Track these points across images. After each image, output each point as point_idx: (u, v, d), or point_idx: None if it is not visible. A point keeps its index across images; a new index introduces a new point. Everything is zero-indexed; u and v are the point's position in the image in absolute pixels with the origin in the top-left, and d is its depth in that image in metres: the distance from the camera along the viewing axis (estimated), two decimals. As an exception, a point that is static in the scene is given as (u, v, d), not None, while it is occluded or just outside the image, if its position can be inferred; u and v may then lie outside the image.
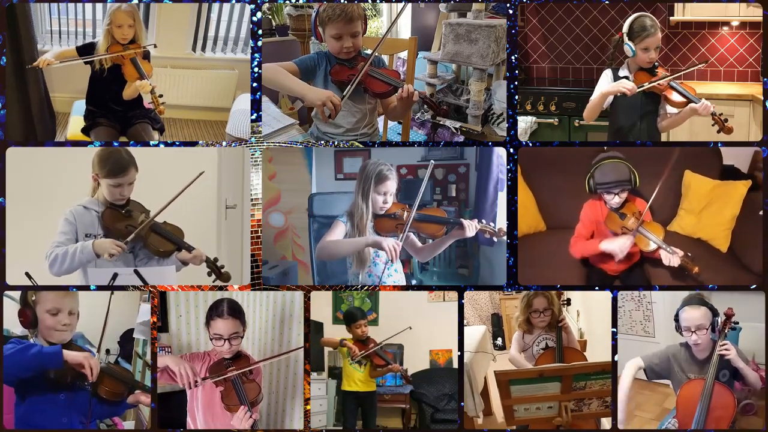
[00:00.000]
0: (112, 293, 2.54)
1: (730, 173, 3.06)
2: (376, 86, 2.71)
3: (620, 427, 2.56)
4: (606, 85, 2.83)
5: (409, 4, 3.06)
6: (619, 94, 2.77)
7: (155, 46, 3.02)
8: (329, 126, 2.78)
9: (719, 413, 2.42)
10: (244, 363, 2.47)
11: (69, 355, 2.26)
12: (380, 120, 3.20)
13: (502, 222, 2.81)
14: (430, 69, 3.87)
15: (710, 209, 2.99)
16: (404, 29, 4.22)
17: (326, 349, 3.27)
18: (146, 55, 2.98)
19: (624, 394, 2.53)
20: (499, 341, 3.82)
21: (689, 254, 2.65)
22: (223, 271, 2.56)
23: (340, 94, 2.67)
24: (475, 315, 3.78)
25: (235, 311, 2.46)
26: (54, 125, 3.31)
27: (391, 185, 2.60)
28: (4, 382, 2.34)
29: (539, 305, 2.79)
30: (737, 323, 2.53)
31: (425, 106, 2.94)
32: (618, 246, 2.69)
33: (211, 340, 2.48)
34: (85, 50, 2.93)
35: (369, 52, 2.82)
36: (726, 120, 2.72)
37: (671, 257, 2.63)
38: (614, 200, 2.75)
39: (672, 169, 2.98)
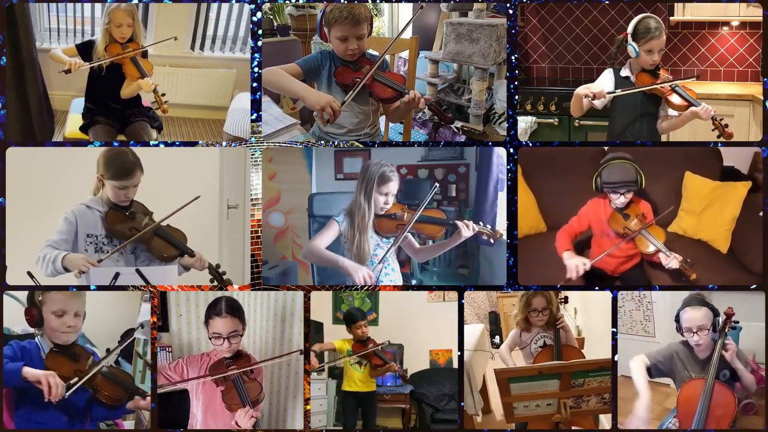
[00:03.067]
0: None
1: (730, 174, 3.07)
2: (381, 91, 2.70)
3: (644, 426, 2.54)
4: (607, 84, 2.84)
5: (414, 6, 3.05)
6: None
7: (176, 39, 3.02)
8: (331, 126, 2.78)
9: (720, 413, 2.42)
10: (244, 362, 2.47)
11: (28, 372, 2.24)
12: (381, 119, 3.19)
13: (502, 222, 2.81)
14: (432, 68, 3.86)
15: (710, 210, 2.99)
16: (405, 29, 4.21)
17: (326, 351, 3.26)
18: (144, 53, 2.97)
19: (645, 392, 2.48)
20: (497, 339, 3.82)
21: (688, 260, 2.65)
22: (225, 277, 2.57)
23: (343, 96, 2.67)
24: (473, 313, 3.78)
25: (234, 309, 2.45)
26: (52, 123, 3.30)
27: (393, 186, 2.60)
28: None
29: (538, 304, 2.80)
30: (737, 323, 2.54)
31: (431, 113, 2.94)
32: (573, 264, 2.69)
33: (210, 339, 2.47)
34: (85, 48, 2.92)
35: (372, 51, 2.81)
36: (726, 125, 2.72)
37: (671, 261, 2.63)
38: (619, 200, 2.75)
39: (671, 170, 3.00)
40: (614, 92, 2.78)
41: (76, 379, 2.29)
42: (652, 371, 2.57)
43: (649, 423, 2.51)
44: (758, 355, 2.64)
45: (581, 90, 2.78)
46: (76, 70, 2.84)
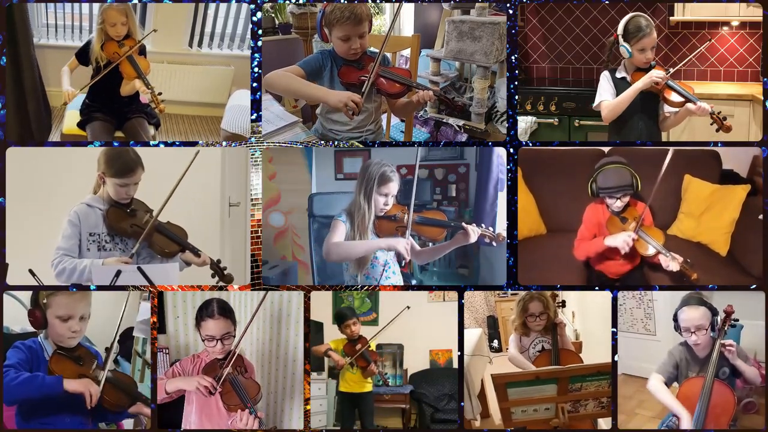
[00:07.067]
0: (127, 300, 2.51)
1: (730, 177, 3.08)
2: (389, 87, 2.70)
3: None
4: (610, 91, 2.83)
5: (416, 6, 3.05)
6: (653, 85, 2.74)
7: (155, 31, 3.00)
8: (335, 123, 2.77)
9: (719, 411, 2.42)
10: (238, 362, 2.46)
11: (69, 384, 2.23)
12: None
13: (502, 222, 2.81)
14: (433, 67, 3.85)
15: (710, 213, 3.00)
16: (407, 27, 4.20)
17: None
18: (142, 50, 2.96)
19: (682, 410, 2.44)
20: (495, 343, 3.82)
21: (688, 260, 2.65)
22: (226, 273, 2.57)
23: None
24: (471, 317, 3.76)
25: (225, 311, 2.44)
26: (50, 120, 3.30)
27: (394, 187, 2.58)
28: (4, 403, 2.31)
29: (535, 309, 2.80)
30: (737, 320, 2.52)
31: (441, 104, 2.93)
32: (621, 240, 2.67)
33: (203, 341, 2.46)
34: (83, 52, 2.92)
35: (373, 49, 2.79)
36: (725, 118, 2.72)
37: (670, 262, 2.63)
38: (616, 204, 2.74)
39: (670, 173, 2.98)
40: (670, 71, 2.76)
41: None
42: (668, 384, 2.55)
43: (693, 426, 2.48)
44: (759, 354, 2.65)
45: (647, 81, 2.73)
46: (70, 100, 2.87)
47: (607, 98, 2.84)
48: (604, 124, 2.96)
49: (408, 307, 2.86)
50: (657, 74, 2.74)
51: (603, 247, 2.72)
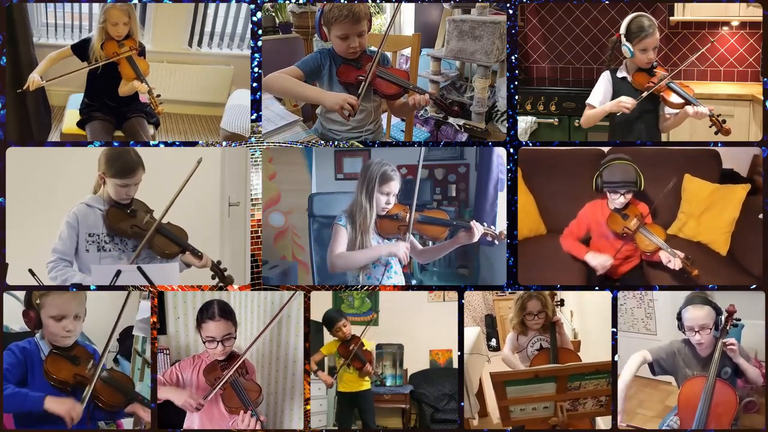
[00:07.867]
0: (128, 297, 2.51)
1: (730, 177, 3.08)
2: (386, 88, 2.69)
3: (620, 419, 2.55)
4: (601, 96, 2.85)
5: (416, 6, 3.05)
6: (619, 113, 2.77)
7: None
8: (335, 123, 2.77)
9: (721, 411, 2.42)
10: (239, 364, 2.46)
11: (51, 405, 2.21)
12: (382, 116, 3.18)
13: (502, 222, 2.81)
14: (434, 66, 3.85)
15: (710, 213, 2.99)
16: (408, 26, 4.20)
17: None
18: (141, 51, 2.96)
19: (624, 384, 2.51)
20: (494, 342, 3.82)
21: (689, 257, 2.66)
22: (226, 274, 2.56)
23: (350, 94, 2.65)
24: (469, 316, 3.76)
25: (226, 312, 2.44)
26: (49, 119, 3.29)
27: (395, 186, 2.57)
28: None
29: (533, 308, 2.79)
30: (739, 320, 2.53)
31: (437, 108, 2.92)
32: (600, 262, 2.74)
33: (203, 342, 2.46)
34: (81, 47, 2.91)
35: (373, 48, 2.79)
36: (724, 121, 2.72)
37: (673, 259, 2.63)
38: (619, 200, 2.76)
39: (671, 173, 3.00)
40: (641, 97, 2.77)
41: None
42: (655, 368, 2.57)
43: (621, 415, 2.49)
44: (760, 353, 2.65)
45: (615, 107, 2.76)
46: (33, 88, 2.82)
47: (594, 104, 2.86)
48: (605, 124, 2.96)
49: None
50: (626, 102, 2.74)
51: (582, 258, 2.78)
